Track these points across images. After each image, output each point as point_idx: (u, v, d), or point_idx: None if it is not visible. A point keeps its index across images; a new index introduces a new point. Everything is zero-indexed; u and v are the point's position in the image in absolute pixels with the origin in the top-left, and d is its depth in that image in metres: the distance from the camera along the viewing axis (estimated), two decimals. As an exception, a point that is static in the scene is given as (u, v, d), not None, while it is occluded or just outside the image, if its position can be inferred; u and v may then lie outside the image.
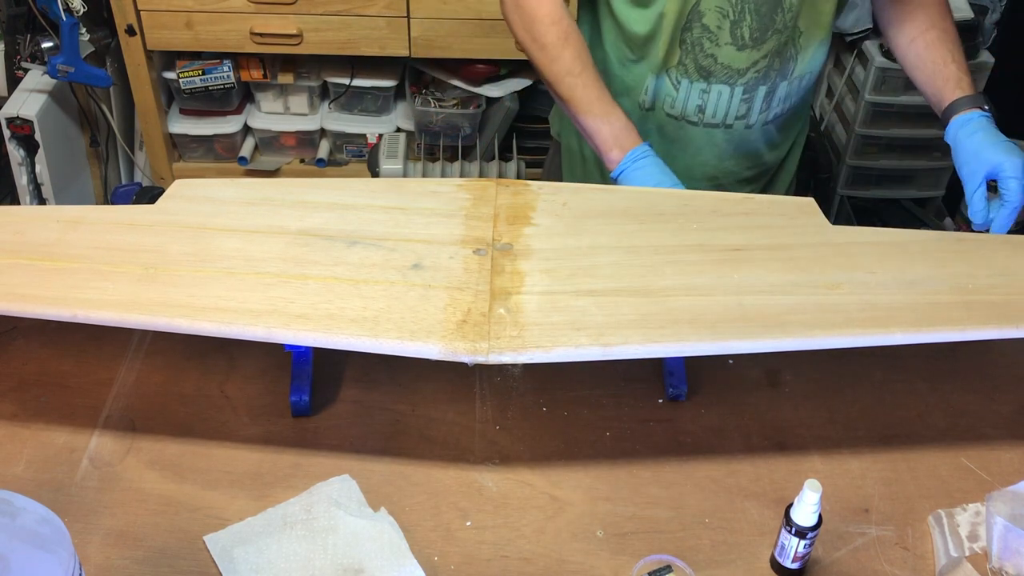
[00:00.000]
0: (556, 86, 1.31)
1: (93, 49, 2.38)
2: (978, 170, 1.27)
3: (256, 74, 2.54)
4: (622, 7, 1.35)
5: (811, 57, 1.38)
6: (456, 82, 2.56)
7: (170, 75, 2.52)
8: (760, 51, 1.32)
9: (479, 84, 2.56)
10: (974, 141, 1.29)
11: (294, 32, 2.39)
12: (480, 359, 0.97)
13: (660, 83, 1.38)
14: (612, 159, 1.28)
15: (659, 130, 1.43)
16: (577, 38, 1.30)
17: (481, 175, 2.55)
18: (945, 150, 2.54)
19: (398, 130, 2.66)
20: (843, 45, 2.64)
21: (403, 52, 2.44)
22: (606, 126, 1.28)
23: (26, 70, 2.38)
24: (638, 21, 1.34)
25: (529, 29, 1.30)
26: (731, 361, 1.23)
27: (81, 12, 2.19)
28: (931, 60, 1.36)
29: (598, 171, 1.55)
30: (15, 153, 2.39)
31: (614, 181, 1.28)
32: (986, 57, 2.45)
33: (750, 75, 1.34)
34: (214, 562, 0.97)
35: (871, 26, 2.49)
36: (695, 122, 1.40)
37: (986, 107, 1.31)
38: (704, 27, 1.30)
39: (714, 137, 1.42)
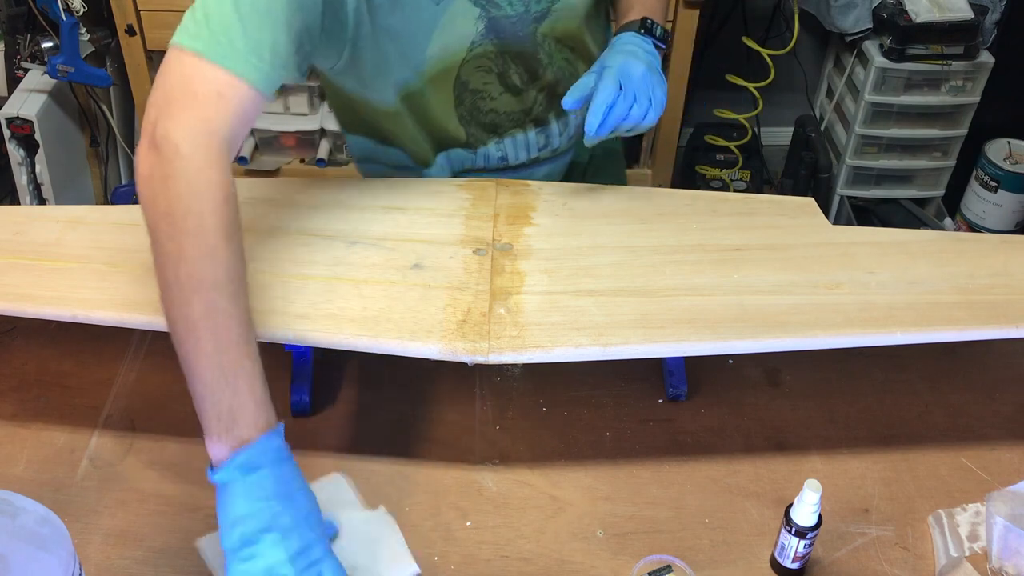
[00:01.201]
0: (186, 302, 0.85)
1: (93, 49, 2.38)
2: (595, 68, 1.14)
3: (256, 74, 2.53)
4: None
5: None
6: (456, 82, 2.56)
7: (170, 75, 2.51)
8: (538, 85, 1.23)
9: (479, 84, 2.56)
10: (612, 50, 1.15)
11: (294, 32, 2.38)
12: (480, 359, 0.97)
13: (452, 155, 1.27)
14: (218, 447, 0.85)
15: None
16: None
17: (481, 175, 2.55)
18: (945, 149, 2.59)
19: (398, 130, 2.65)
20: (843, 45, 2.64)
21: (403, 52, 2.44)
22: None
23: (26, 70, 2.38)
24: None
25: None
26: (731, 361, 1.23)
27: (81, 12, 2.19)
28: None
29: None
30: (15, 153, 2.39)
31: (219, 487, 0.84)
32: (986, 57, 2.45)
33: (536, 111, 1.26)
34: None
35: (871, 26, 2.48)
36: (501, 168, 1.30)
37: (657, 33, 1.16)
38: (473, 91, 1.20)
39: (529, 173, 1.32)
